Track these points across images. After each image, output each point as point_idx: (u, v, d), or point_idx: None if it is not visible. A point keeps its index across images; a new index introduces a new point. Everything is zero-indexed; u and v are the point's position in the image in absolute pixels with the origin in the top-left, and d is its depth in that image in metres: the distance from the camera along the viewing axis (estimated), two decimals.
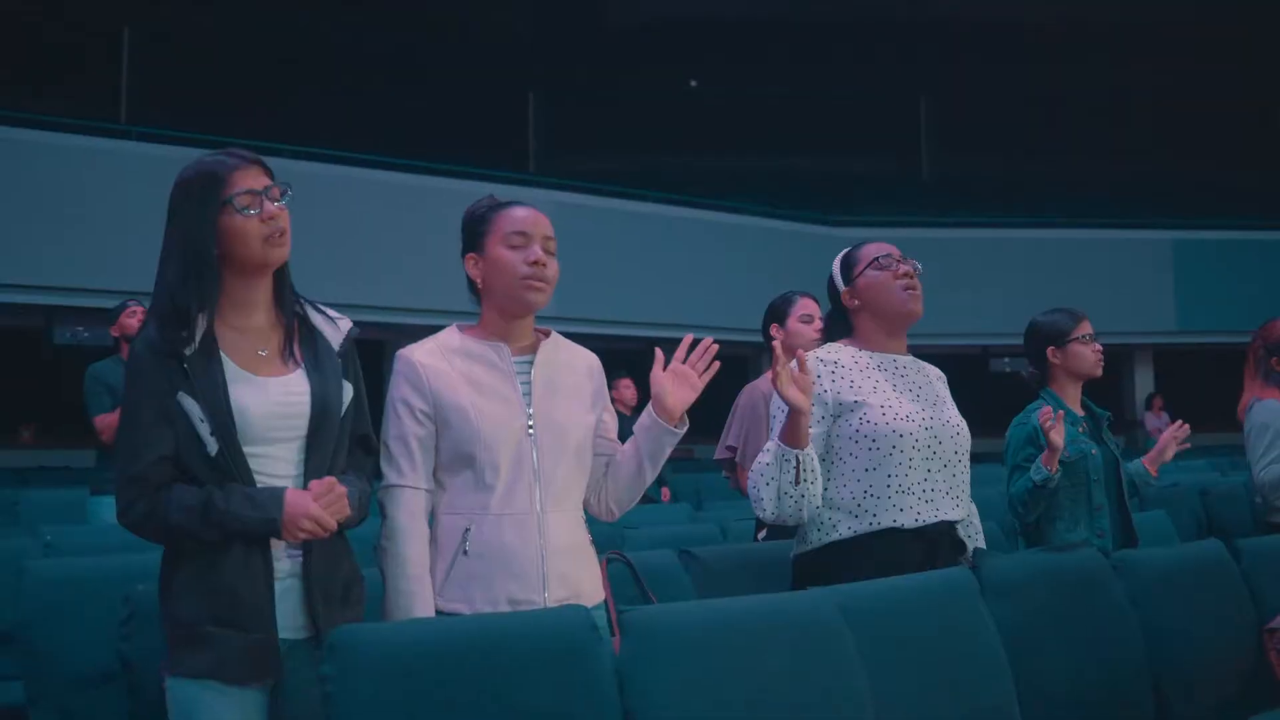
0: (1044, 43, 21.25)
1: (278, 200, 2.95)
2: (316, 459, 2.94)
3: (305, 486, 2.88)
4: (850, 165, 23.08)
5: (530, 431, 3.21)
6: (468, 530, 3.14)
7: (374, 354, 17.79)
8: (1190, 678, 4.01)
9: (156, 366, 2.85)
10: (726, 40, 21.28)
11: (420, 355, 3.24)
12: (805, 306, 5.29)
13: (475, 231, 3.35)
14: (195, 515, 2.79)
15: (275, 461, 2.91)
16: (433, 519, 3.20)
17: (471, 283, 3.34)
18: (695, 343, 3.37)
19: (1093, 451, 4.77)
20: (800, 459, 3.60)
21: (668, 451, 3.34)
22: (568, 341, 3.45)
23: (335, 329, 3.11)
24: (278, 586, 2.88)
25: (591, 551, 3.36)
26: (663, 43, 21.18)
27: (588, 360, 3.45)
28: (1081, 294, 18.99)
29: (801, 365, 3.56)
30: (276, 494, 2.82)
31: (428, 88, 20.70)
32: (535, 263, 3.24)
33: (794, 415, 3.56)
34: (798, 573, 3.89)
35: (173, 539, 2.88)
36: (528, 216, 3.31)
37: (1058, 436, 4.45)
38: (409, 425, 3.18)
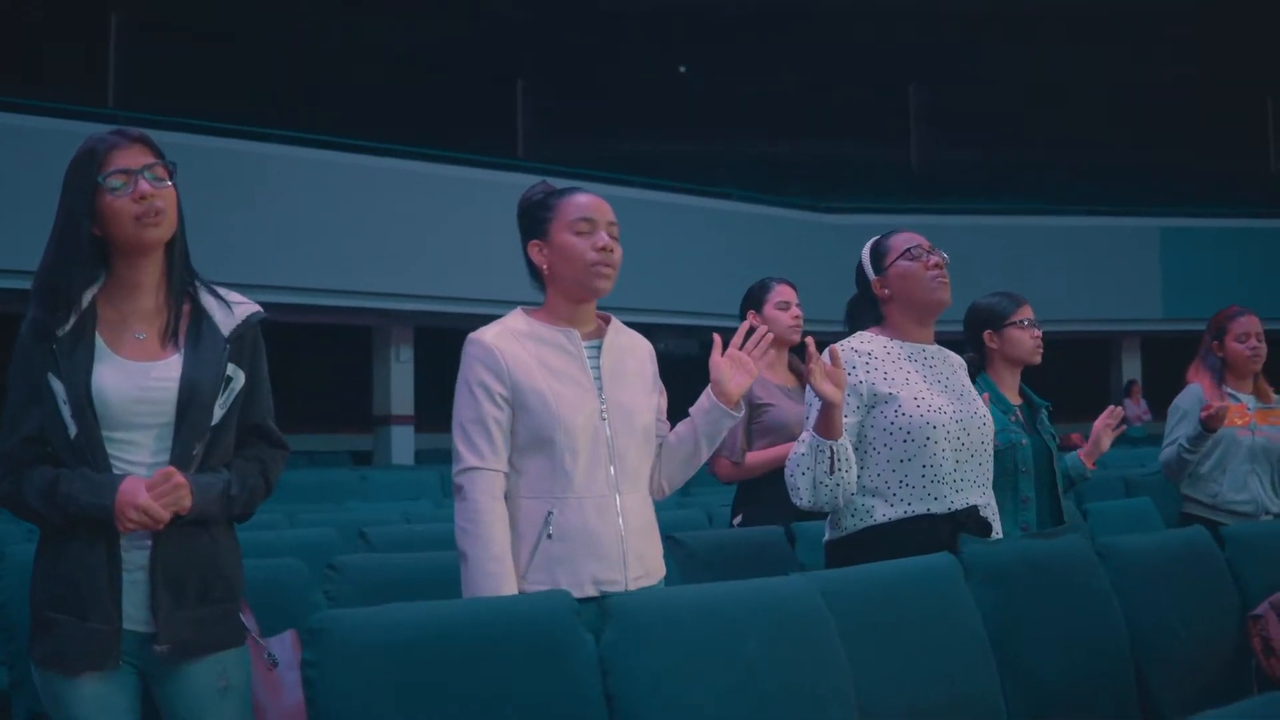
0: (1033, 31, 21.25)
1: (164, 180, 2.89)
2: (181, 447, 2.88)
3: None
4: (839, 152, 23.04)
5: (603, 415, 3.30)
6: (550, 514, 3.21)
7: (362, 340, 17.78)
8: (1173, 664, 4.02)
9: (33, 347, 2.84)
10: (716, 27, 21.24)
11: (495, 339, 3.29)
12: (782, 293, 5.27)
13: (537, 218, 3.41)
14: (44, 497, 2.79)
15: (136, 448, 2.87)
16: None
17: (534, 269, 3.41)
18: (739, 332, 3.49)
19: (1022, 442, 4.67)
20: (835, 450, 3.68)
21: (724, 432, 3.47)
22: (625, 326, 3.52)
23: (229, 313, 3.02)
24: (127, 577, 2.84)
25: (657, 530, 3.47)
26: (652, 29, 21.14)
27: (645, 344, 3.56)
28: (1069, 281, 19.18)
29: (835, 360, 3.61)
30: (115, 481, 2.78)
31: (416, 73, 20.66)
32: (603, 249, 3.31)
33: (828, 408, 3.62)
34: (832, 556, 3.97)
35: (30, 520, 2.88)
36: (592, 203, 3.38)
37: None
38: (487, 408, 3.24)
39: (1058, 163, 22.96)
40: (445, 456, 13.82)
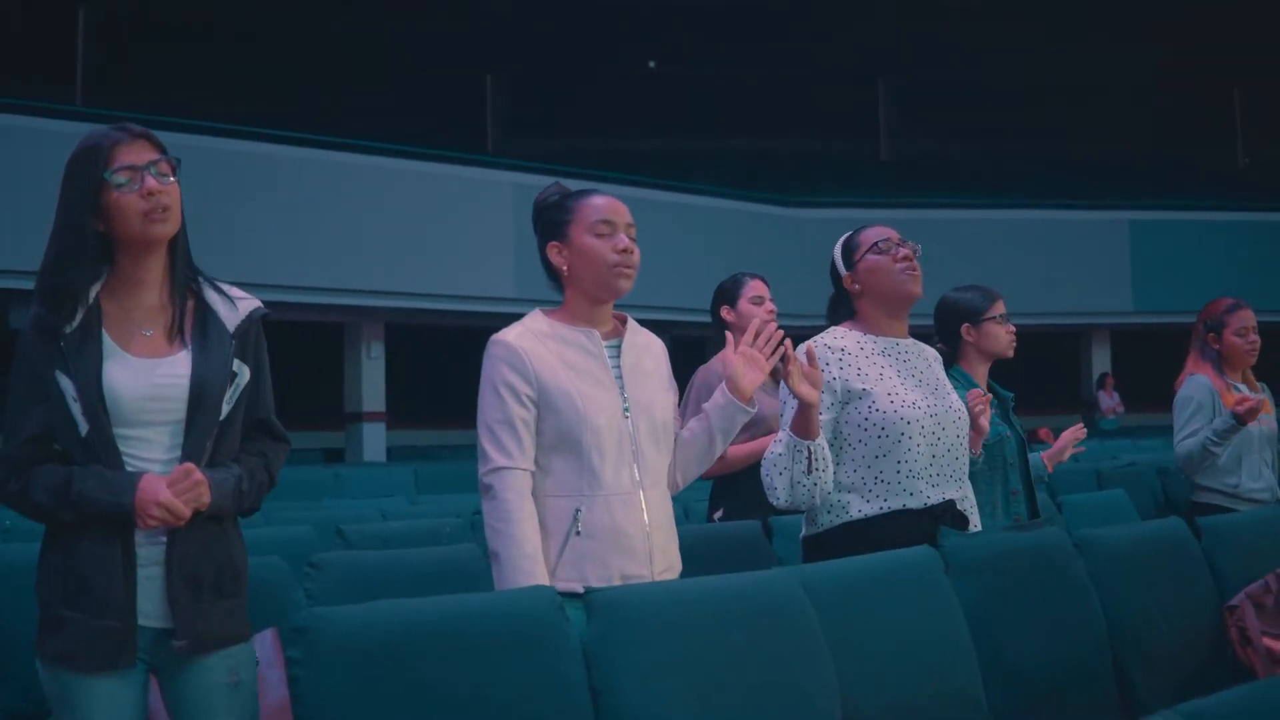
0: (1002, 24, 21.27)
1: (167, 176, 2.89)
2: (193, 443, 2.88)
3: None
4: (809, 146, 23.05)
5: (626, 413, 3.36)
6: (579, 511, 3.27)
7: (333, 337, 17.73)
8: (1151, 655, 4.04)
9: (38, 344, 2.82)
10: (686, 22, 21.22)
11: (518, 340, 3.34)
12: (755, 288, 5.29)
13: (555, 220, 3.45)
14: (55, 495, 2.77)
15: (148, 445, 2.86)
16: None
17: (552, 270, 3.45)
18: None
19: (1007, 434, 4.75)
20: (812, 450, 3.68)
21: (739, 427, 3.55)
22: (640, 325, 3.58)
23: (233, 309, 3.02)
24: (141, 574, 2.83)
25: (674, 525, 3.53)
26: (622, 24, 21.11)
27: (659, 344, 3.62)
28: (1039, 274, 19.25)
29: (811, 360, 3.62)
30: (132, 479, 2.77)
31: (385, 68, 20.58)
32: (624, 250, 3.37)
33: (804, 408, 3.64)
34: (808, 552, 3.97)
35: (39, 518, 2.85)
36: (611, 205, 3.44)
37: (985, 420, 4.45)
38: (514, 409, 3.29)
39: (1027, 157, 23.02)
40: (417, 453, 13.89)
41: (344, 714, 2.56)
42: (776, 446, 3.75)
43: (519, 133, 22.26)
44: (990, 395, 4.53)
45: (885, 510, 3.82)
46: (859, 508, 3.84)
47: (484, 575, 4.38)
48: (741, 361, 3.47)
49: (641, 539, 3.34)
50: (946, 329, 4.92)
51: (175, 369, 2.88)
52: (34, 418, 2.81)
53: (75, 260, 2.84)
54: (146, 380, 2.85)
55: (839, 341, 3.94)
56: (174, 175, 2.91)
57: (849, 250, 4.05)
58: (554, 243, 3.43)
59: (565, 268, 3.41)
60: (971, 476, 4.55)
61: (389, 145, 16.39)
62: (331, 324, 17.46)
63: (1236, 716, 2.29)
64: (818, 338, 3.93)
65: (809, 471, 3.68)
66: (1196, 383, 5.74)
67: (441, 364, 20.31)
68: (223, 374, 2.93)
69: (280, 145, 15.43)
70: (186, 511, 2.78)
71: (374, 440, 17.47)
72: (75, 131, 11.59)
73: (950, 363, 4.85)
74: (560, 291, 3.49)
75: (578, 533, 3.26)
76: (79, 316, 2.83)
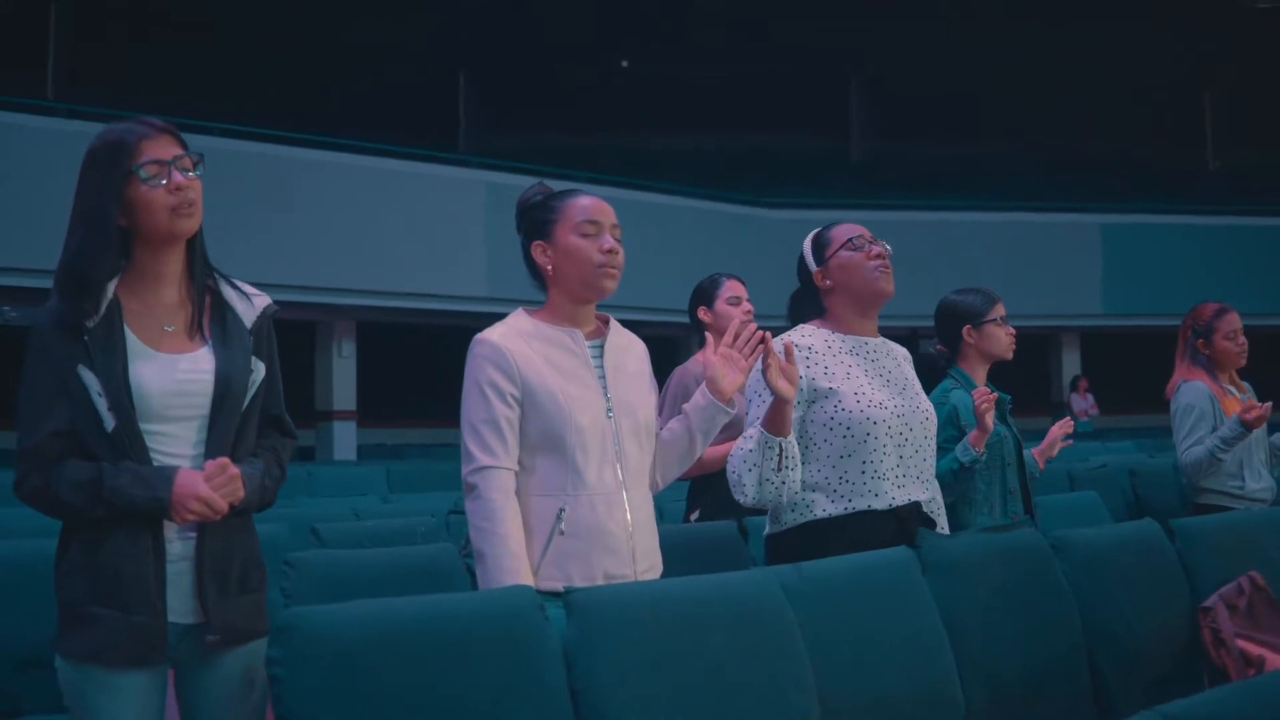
0: (973, 25, 21.35)
1: (190, 171, 2.88)
2: (217, 439, 2.88)
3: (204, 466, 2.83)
4: (780, 146, 23.11)
5: (609, 413, 3.37)
6: (562, 510, 3.28)
7: (304, 335, 17.67)
8: (1126, 656, 4.06)
9: (58, 339, 2.79)
10: (658, 20, 21.24)
11: (502, 339, 3.34)
12: (732, 288, 5.30)
13: (541, 220, 3.46)
14: (84, 491, 2.74)
15: (174, 440, 2.85)
16: None
17: (536, 269, 3.46)
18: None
19: (1005, 434, 4.80)
20: (783, 446, 3.66)
21: (719, 428, 3.56)
22: (622, 326, 3.59)
23: (249, 305, 3.04)
24: (170, 569, 2.82)
25: (656, 525, 3.54)
26: (594, 23, 21.11)
27: (641, 344, 3.63)
28: (1009, 276, 19.25)
29: (789, 355, 3.62)
30: (167, 473, 2.76)
31: (357, 65, 20.54)
32: (609, 250, 3.38)
33: (779, 404, 3.62)
34: (772, 552, 3.95)
35: (63, 515, 2.82)
36: (597, 205, 3.45)
37: (991, 419, 4.49)
38: (499, 408, 3.29)
39: (997, 158, 23.13)
40: (388, 452, 13.86)
41: (324, 714, 2.55)
42: (746, 443, 3.72)
43: (490, 131, 22.27)
44: (996, 394, 4.58)
45: (850, 510, 3.79)
46: (824, 507, 3.80)
47: (460, 575, 4.40)
48: (721, 362, 3.47)
49: (625, 538, 3.34)
50: (947, 331, 4.99)
51: (198, 364, 2.88)
52: (57, 413, 2.78)
53: (100, 253, 2.81)
54: (171, 376, 2.84)
55: (806, 339, 3.90)
56: (194, 170, 2.91)
57: (820, 246, 4.02)
58: (539, 242, 3.43)
59: (550, 267, 3.42)
60: (972, 475, 4.61)
61: (360, 143, 16.37)
62: (302, 322, 17.41)
63: (1218, 717, 2.30)
64: (784, 335, 3.90)
65: (779, 469, 3.66)
66: (1195, 390, 5.77)
67: (412, 362, 20.32)
68: (244, 369, 2.94)
69: (251, 142, 15.38)
70: (224, 505, 2.78)
71: (344, 439, 17.44)
72: (45, 126, 11.53)
73: (949, 364, 4.97)
74: (543, 291, 3.49)
75: (561, 532, 3.27)
76: (101, 311, 2.82)
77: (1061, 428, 5.31)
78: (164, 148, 2.86)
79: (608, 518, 3.32)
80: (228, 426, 2.90)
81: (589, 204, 3.43)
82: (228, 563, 2.89)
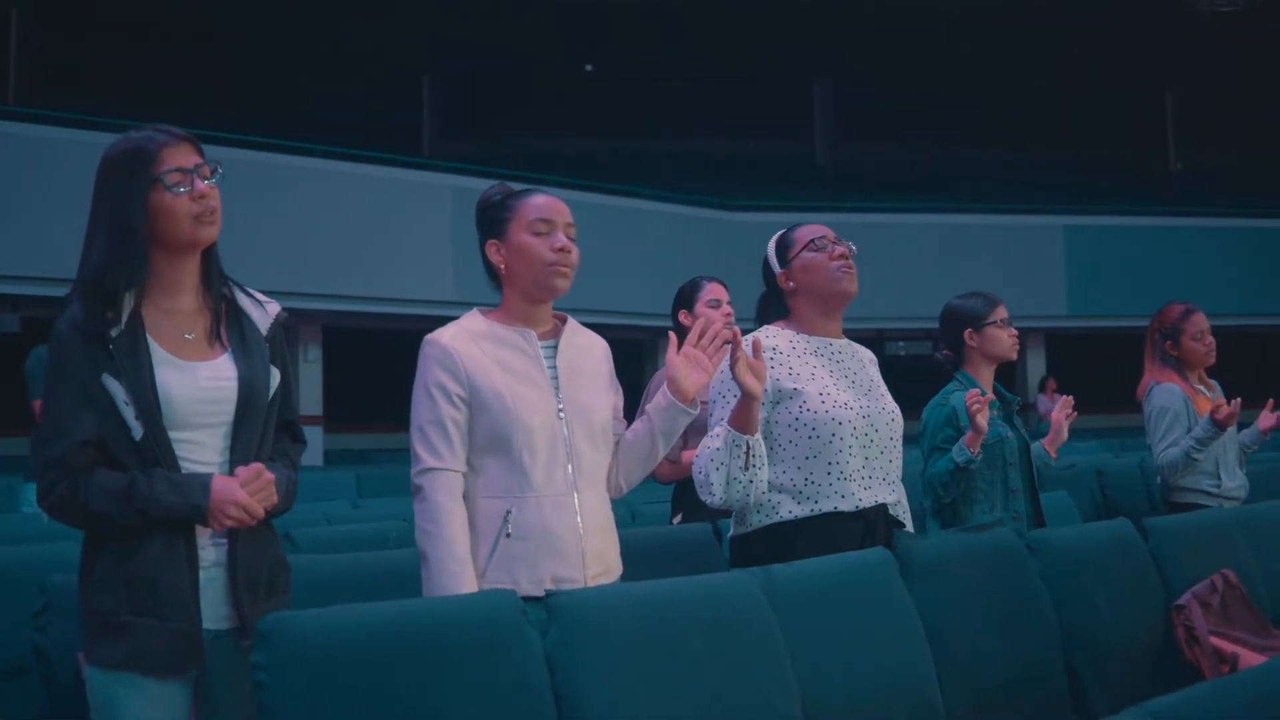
0: (938, 27, 21.39)
1: (208, 179, 2.90)
2: (242, 445, 2.89)
3: (230, 472, 2.83)
4: (745, 149, 23.13)
5: (561, 414, 3.34)
6: (509, 512, 3.25)
7: None
8: (1102, 655, 4.10)
9: (81, 347, 2.79)
10: (623, 24, 21.22)
11: (452, 340, 3.32)
12: (713, 291, 5.31)
13: (495, 219, 3.45)
14: (117, 500, 2.73)
15: (200, 447, 2.86)
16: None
17: (492, 269, 3.44)
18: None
19: (1008, 435, 4.87)
20: (750, 444, 3.63)
21: (681, 429, 3.52)
22: (581, 326, 3.57)
23: (263, 313, 3.06)
24: (202, 575, 2.83)
25: (615, 528, 3.51)
26: (558, 27, 21.09)
27: (601, 344, 3.60)
28: (974, 278, 19.09)
29: (756, 351, 3.60)
30: (203, 480, 2.77)
31: (320, 69, 20.47)
32: (561, 249, 3.36)
33: (746, 401, 3.60)
34: (737, 553, 3.93)
35: (93, 524, 2.82)
36: (550, 204, 3.43)
37: (983, 419, 4.53)
38: (445, 409, 3.27)
39: (962, 160, 23.19)
40: (354, 457, 13.79)
41: (309, 717, 2.55)
42: (713, 441, 3.70)
43: (455, 135, 22.21)
44: (990, 396, 4.62)
45: (816, 512, 3.78)
46: (790, 509, 3.79)
47: None
48: (685, 363, 3.44)
49: (574, 541, 3.31)
50: (950, 334, 5.07)
51: (220, 371, 2.90)
52: (84, 422, 2.78)
53: (126, 261, 2.81)
54: (195, 383, 2.85)
55: (771, 340, 3.89)
56: (212, 178, 2.93)
57: (783, 247, 4.03)
58: (493, 241, 3.43)
59: (503, 266, 3.41)
60: (972, 475, 4.64)
61: (325, 147, 16.32)
62: None
63: (1201, 715, 2.32)
64: (749, 336, 3.86)
65: (746, 468, 3.64)
66: (1169, 392, 5.81)
67: (379, 367, 20.21)
68: (265, 376, 2.96)
69: (213, 146, 14.99)
70: (260, 511, 2.80)
71: (311, 443, 17.28)
72: (5, 131, 11.43)
73: (954, 368, 5.04)
74: (499, 291, 3.48)
75: (508, 534, 3.25)
76: (124, 319, 2.81)
77: (1062, 411, 5.34)
78: (185, 156, 2.89)
79: (556, 520, 3.29)
80: (252, 433, 2.92)
81: (543, 202, 3.42)
82: (258, 567, 2.92)
